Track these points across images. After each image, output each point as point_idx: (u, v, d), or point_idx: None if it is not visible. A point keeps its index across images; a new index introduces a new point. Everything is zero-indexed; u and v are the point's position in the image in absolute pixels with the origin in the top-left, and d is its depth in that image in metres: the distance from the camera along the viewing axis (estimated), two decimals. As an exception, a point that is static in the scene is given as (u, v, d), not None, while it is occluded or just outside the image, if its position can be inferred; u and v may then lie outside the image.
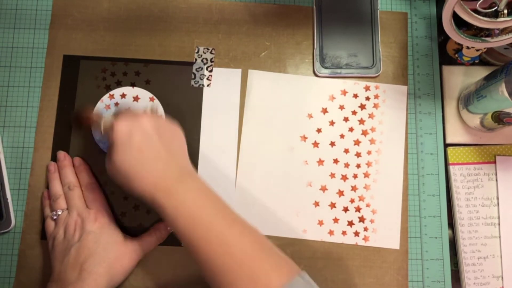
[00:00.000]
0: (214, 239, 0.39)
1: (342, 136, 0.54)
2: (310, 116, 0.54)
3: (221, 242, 0.39)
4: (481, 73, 0.54)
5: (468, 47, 0.53)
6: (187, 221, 0.40)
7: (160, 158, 0.42)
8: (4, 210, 0.50)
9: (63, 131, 0.53)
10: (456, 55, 0.55)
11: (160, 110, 0.53)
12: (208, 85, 0.54)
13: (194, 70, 0.55)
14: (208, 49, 0.55)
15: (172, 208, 0.40)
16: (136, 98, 0.54)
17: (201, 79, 0.54)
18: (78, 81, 0.54)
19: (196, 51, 0.55)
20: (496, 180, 0.53)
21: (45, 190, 0.51)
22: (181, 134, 0.46)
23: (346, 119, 0.54)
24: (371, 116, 0.54)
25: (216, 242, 0.39)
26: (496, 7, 0.44)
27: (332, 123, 0.54)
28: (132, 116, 0.43)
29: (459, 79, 0.55)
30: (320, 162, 0.53)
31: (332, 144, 0.54)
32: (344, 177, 0.53)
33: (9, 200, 0.51)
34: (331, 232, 0.52)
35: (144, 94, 0.54)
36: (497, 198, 0.53)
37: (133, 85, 0.54)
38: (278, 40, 0.56)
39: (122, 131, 0.42)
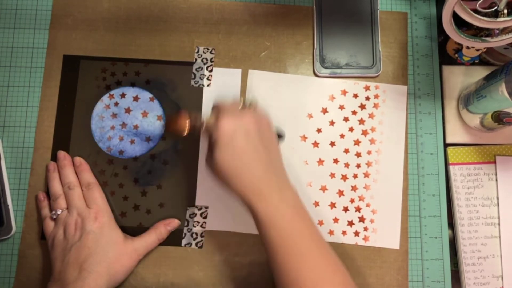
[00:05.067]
0: (306, 266, 0.40)
1: (342, 136, 0.54)
2: (310, 116, 0.54)
3: (312, 272, 0.39)
4: (481, 73, 0.54)
5: (468, 47, 0.53)
6: (278, 234, 0.40)
7: (260, 162, 0.41)
8: (5, 216, 0.50)
9: (63, 131, 0.53)
10: (456, 55, 0.55)
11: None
12: (208, 85, 0.54)
13: (194, 70, 0.55)
14: (208, 49, 0.55)
15: (266, 215, 0.40)
16: (136, 98, 0.54)
17: (201, 79, 0.54)
18: (78, 81, 0.54)
19: (196, 51, 0.55)
20: (496, 180, 0.53)
21: (40, 192, 0.51)
22: (275, 134, 0.45)
23: (346, 119, 0.54)
24: (371, 116, 0.54)
25: (307, 269, 0.39)
26: (496, 7, 0.44)
27: (332, 123, 0.54)
28: (236, 115, 0.42)
29: (459, 79, 0.55)
30: (320, 162, 0.53)
31: (332, 144, 0.54)
32: (344, 177, 0.53)
33: (10, 206, 0.50)
34: (331, 232, 0.52)
35: (144, 94, 0.54)
36: (497, 198, 0.53)
37: (133, 85, 0.54)
38: (278, 40, 0.56)
39: (226, 131, 0.41)
